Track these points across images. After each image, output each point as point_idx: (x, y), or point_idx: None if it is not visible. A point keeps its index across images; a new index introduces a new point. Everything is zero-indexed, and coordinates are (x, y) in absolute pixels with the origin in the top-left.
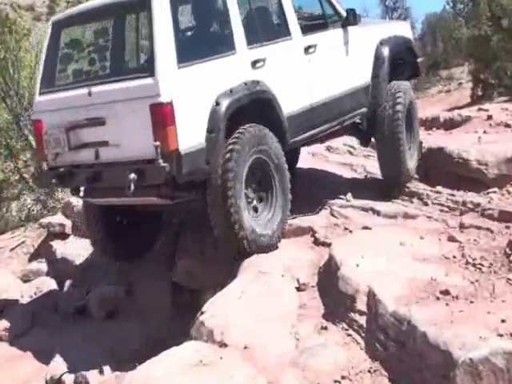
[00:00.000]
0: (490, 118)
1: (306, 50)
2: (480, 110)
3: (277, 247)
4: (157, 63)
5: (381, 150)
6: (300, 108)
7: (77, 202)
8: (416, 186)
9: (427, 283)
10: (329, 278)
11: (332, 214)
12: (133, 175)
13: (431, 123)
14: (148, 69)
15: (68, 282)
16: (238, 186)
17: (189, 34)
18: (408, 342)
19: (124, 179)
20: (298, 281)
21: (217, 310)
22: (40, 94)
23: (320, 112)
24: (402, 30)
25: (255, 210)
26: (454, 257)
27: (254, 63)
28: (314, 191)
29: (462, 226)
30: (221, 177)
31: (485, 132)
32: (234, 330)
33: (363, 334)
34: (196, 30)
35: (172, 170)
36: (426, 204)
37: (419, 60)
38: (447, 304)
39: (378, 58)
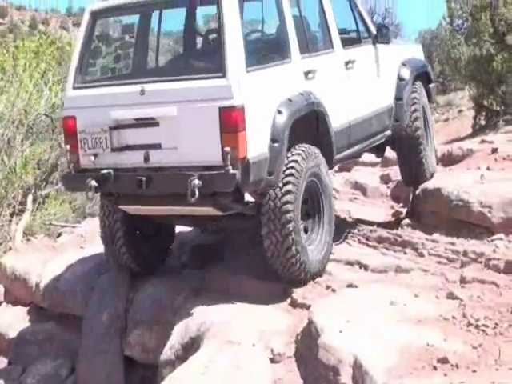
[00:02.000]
0: (494, 151)
1: (347, 64)
2: (483, 141)
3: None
4: (228, 64)
5: (403, 158)
6: (340, 125)
7: (10, 264)
8: (410, 233)
9: (423, 350)
10: (308, 346)
11: None
12: (197, 181)
13: None
14: (217, 69)
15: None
16: (297, 208)
17: (251, 37)
18: None
19: (182, 186)
20: (271, 351)
21: None
22: (74, 88)
23: (355, 131)
24: (418, 52)
25: (305, 233)
26: (454, 317)
27: (307, 74)
28: None
29: (462, 281)
30: (280, 195)
31: (488, 168)
32: None
33: None
34: (256, 35)
35: (239, 179)
36: (421, 255)
37: (431, 86)
38: (445, 374)
39: (401, 79)
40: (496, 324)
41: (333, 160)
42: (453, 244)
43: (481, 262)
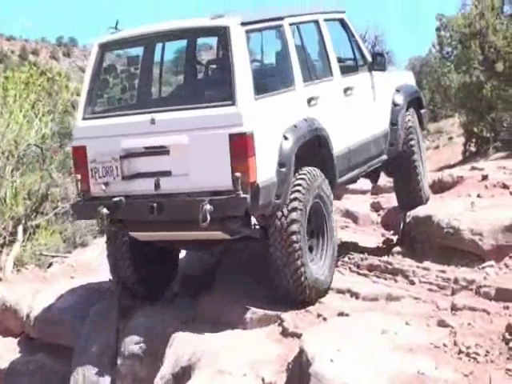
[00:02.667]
0: (485, 178)
1: (345, 91)
2: (473, 168)
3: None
4: (237, 92)
5: (399, 182)
6: (341, 150)
7: (0, 295)
8: (400, 261)
9: (414, 378)
10: (299, 375)
11: None
12: (209, 206)
13: None
14: (227, 97)
15: None
16: (303, 229)
17: (257, 66)
18: None
19: (193, 211)
20: (262, 380)
21: None
22: (83, 118)
23: (355, 155)
24: (410, 79)
25: (310, 252)
26: (445, 345)
27: (309, 101)
28: None
29: (454, 308)
30: (287, 215)
31: (479, 196)
32: None
33: None
34: (261, 64)
35: (249, 203)
36: (412, 283)
37: (423, 111)
38: None
39: (395, 104)
40: (487, 351)
41: (335, 183)
42: (444, 271)
43: (472, 290)
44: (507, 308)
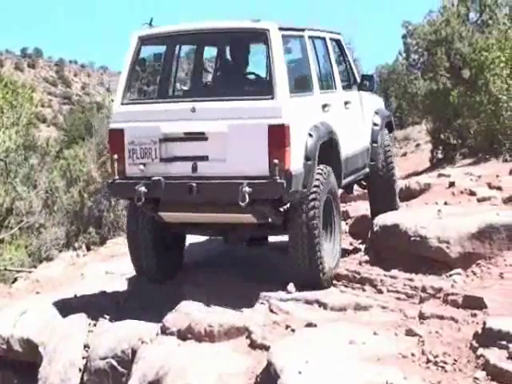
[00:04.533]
0: (452, 185)
1: (345, 104)
2: (440, 175)
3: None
4: (277, 88)
5: (376, 195)
6: (342, 156)
7: None
8: (368, 270)
9: None
10: None
11: (271, 310)
12: (248, 188)
13: None
14: (267, 92)
15: None
16: (319, 219)
17: (289, 69)
18: None
19: (232, 192)
20: None
21: None
22: (122, 104)
23: (350, 164)
24: (382, 104)
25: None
26: (413, 354)
27: (324, 107)
28: (251, 279)
29: (421, 317)
30: (308, 204)
31: (446, 203)
32: None
33: None
34: (289, 67)
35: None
36: (380, 292)
37: (391, 134)
38: None
39: (375, 124)
40: (455, 360)
41: (340, 184)
42: (411, 280)
43: (439, 298)
44: (475, 316)
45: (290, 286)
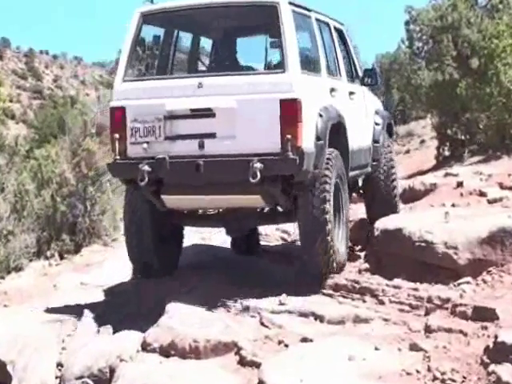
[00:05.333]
0: (460, 185)
1: (350, 94)
2: (447, 175)
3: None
4: (288, 61)
5: (375, 197)
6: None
7: None
8: (368, 279)
9: None
10: None
11: (262, 323)
12: (259, 164)
13: None
14: (277, 66)
15: None
16: (330, 200)
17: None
18: None
19: (242, 170)
20: None
21: None
22: (124, 81)
23: (354, 157)
24: (380, 105)
25: None
26: (418, 371)
27: (331, 91)
28: (241, 288)
29: (427, 330)
30: (319, 187)
31: (453, 205)
32: None
33: None
34: (300, 46)
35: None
36: (381, 303)
37: (391, 139)
38: None
39: (377, 124)
40: (464, 377)
41: (347, 174)
42: (416, 290)
43: (447, 309)
44: (485, 328)
45: (283, 297)
